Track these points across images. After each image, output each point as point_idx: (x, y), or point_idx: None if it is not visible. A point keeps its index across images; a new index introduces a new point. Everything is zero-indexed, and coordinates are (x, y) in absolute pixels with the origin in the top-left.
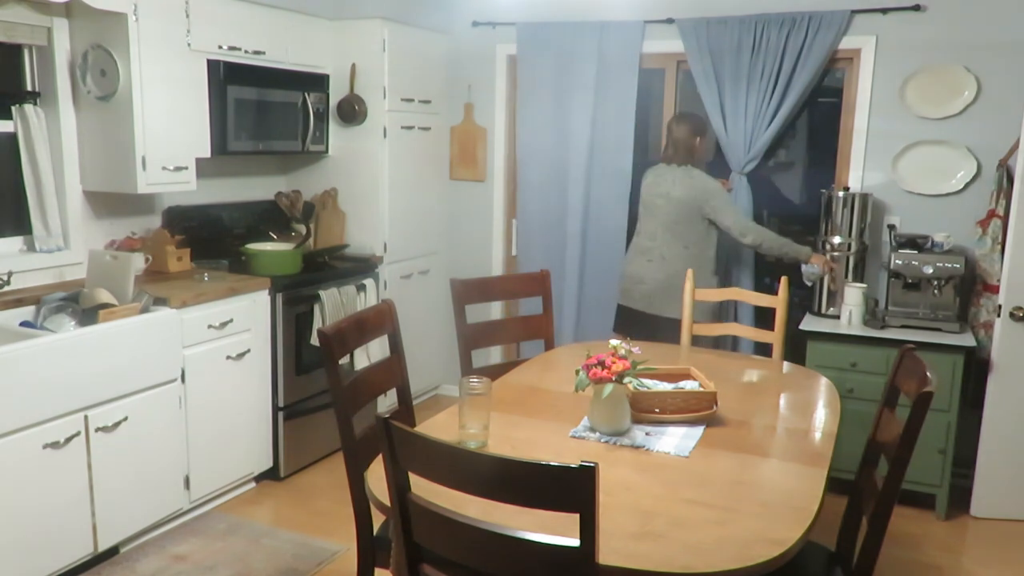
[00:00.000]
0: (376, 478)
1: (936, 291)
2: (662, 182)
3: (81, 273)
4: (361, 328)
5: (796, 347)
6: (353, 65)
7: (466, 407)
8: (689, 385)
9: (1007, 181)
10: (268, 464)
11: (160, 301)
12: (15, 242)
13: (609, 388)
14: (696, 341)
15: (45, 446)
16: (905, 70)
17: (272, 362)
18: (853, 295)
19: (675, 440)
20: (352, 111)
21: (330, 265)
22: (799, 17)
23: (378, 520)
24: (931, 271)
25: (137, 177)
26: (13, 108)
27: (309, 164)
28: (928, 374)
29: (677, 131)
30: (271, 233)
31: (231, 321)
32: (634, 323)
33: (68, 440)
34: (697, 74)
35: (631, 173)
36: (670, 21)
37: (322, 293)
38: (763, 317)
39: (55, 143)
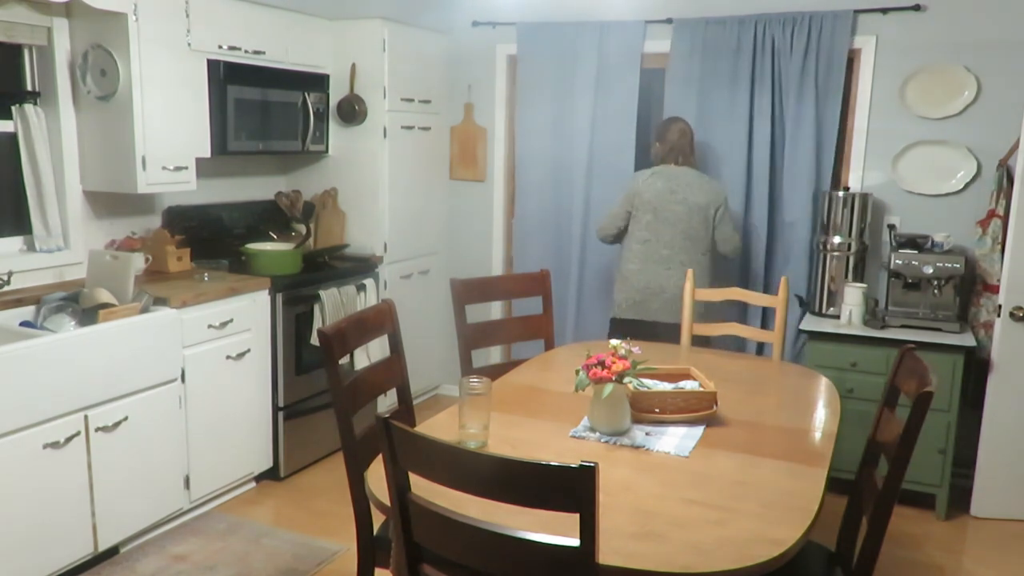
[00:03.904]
0: (376, 478)
1: (936, 291)
2: (678, 187)
3: (81, 273)
4: (361, 328)
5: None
6: (353, 65)
7: (466, 407)
8: (689, 385)
9: (1007, 181)
10: (268, 464)
11: (160, 301)
12: (15, 242)
13: (609, 388)
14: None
15: (45, 446)
16: (905, 70)
17: (272, 362)
18: (853, 295)
19: (675, 440)
20: (352, 111)
21: (330, 265)
22: (799, 17)
23: (378, 520)
24: (931, 271)
25: (137, 177)
26: (13, 108)
27: (309, 164)
28: (928, 374)
29: (677, 129)
30: (271, 233)
31: (231, 321)
32: (654, 335)
33: (68, 440)
34: (691, 77)
35: (633, 173)
36: (670, 21)
37: (322, 293)
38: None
39: (55, 143)
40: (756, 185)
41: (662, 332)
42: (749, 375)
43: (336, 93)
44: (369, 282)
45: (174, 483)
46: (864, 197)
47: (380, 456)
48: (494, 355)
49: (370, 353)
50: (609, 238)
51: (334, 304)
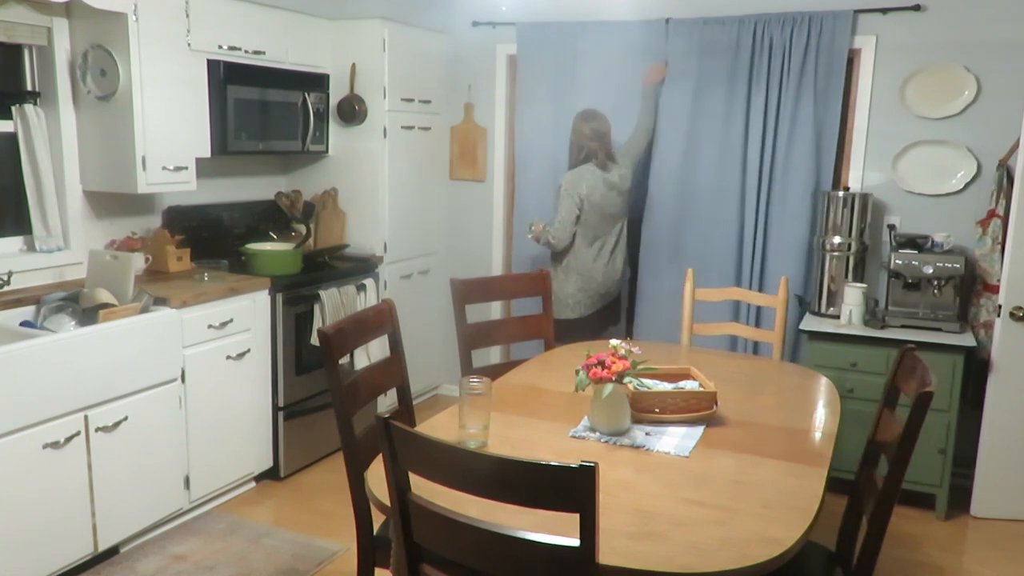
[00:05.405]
0: (376, 478)
1: (936, 291)
2: (616, 182)
3: (81, 273)
4: (361, 328)
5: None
6: (353, 65)
7: (466, 407)
8: (689, 385)
9: (1007, 181)
10: (268, 464)
11: (160, 301)
12: (15, 242)
13: (609, 388)
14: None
15: (45, 446)
16: (905, 70)
17: (272, 362)
18: (853, 295)
19: (675, 440)
20: (352, 111)
21: (330, 265)
22: (799, 17)
23: (378, 520)
24: (931, 271)
25: (137, 177)
26: (13, 108)
27: (309, 164)
28: (928, 374)
29: (605, 127)
30: (271, 233)
31: (231, 321)
32: (609, 315)
33: (68, 440)
34: (689, 76)
35: (568, 175)
36: (668, 21)
37: (322, 293)
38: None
39: (55, 143)
40: (754, 185)
41: (614, 309)
42: (749, 375)
43: (336, 93)
44: (369, 282)
45: (174, 483)
46: (864, 197)
47: (380, 456)
48: (494, 355)
49: (370, 353)
50: (565, 245)
51: (334, 304)
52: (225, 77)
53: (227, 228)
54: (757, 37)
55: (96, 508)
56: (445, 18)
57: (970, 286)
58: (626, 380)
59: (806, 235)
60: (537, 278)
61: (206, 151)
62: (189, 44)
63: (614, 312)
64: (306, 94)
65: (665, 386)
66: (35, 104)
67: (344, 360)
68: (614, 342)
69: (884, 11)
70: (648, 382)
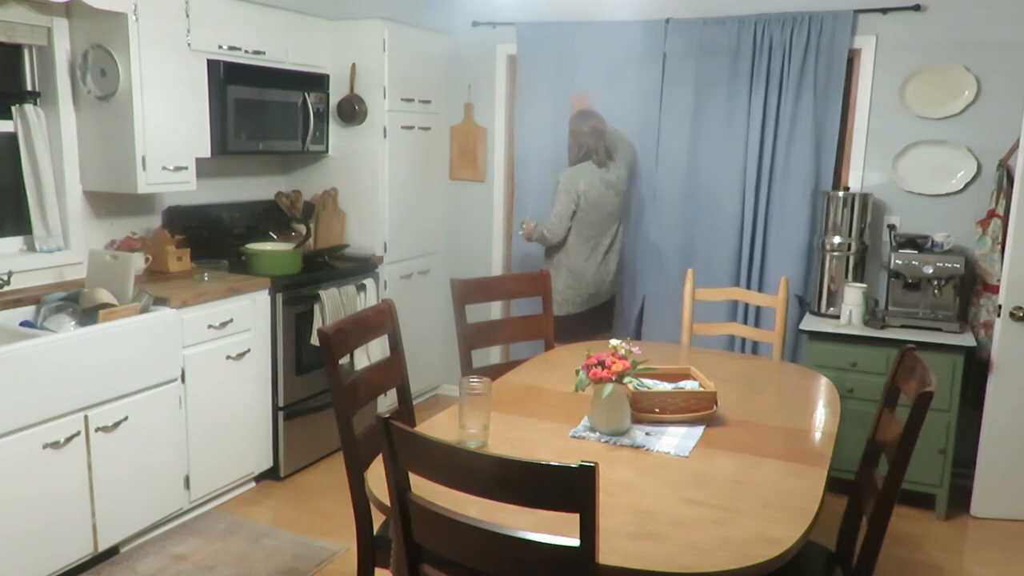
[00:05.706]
0: (376, 478)
1: (936, 291)
2: (613, 181)
3: (81, 273)
4: (361, 328)
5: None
6: (353, 65)
7: (466, 407)
8: (689, 385)
9: (1007, 181)
10: (268, 464)
11: (160, 301)
12: (15, 242)
13: (609, 388)
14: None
15: (45, 446)
16: (905, 70)
17: (272, 362)
18: (853, 295)
19: (675, 440)
20: (352, 111)
21: (330, 265)
22: (799, 17)
23: (378, 520)
24: (931, 271)
25: (137, 177)
26: (13, 108)
27: (309, 164)
28: (928, 374)
29: (603, 125)
30: (271, 233)
31: (231, 321)
32: (600, 315)
33: (68, 440)
34: (689, 76)
35: (566, 172)
36: (668, 21)
37: (322, 293)
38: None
39: (55, 143)
40: (754, 185)
41: (606, 311)
42: (749, 375)
43: (336, 93)
44: (369, 282)
45: (174, 483)
46: (864, 197)
47: (380, 456)
48: (494, 355)
49: (370, 353)
50: (558, 239)
51: (334, 304)
52: (225, 77)
53: (227, 228)
54: (757, 37)
55: (96, 508)
56: (445, 18)
57: (970, 286)
58: (626, 380)
59: (806, 235)
60: (537, 278)
61: (206, 151)
62: (189, 44)
63: (605, 316)
64: (306, 94)
65: (665, 386)
66: (35, 104)
67: (344, 360)
68: (614, 342)
69: (884, 11)
70: (648, 382)
